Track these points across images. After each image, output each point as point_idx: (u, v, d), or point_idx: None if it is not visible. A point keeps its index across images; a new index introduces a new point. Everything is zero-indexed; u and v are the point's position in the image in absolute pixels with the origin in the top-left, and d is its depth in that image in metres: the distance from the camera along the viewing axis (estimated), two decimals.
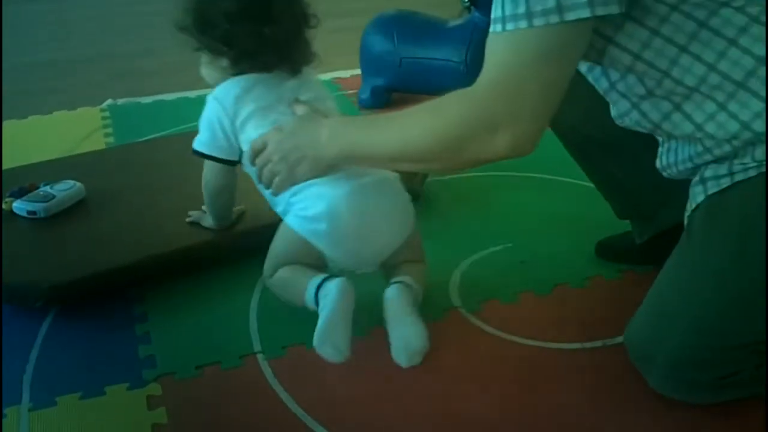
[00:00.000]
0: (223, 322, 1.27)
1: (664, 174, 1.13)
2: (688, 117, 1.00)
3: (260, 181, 1.18)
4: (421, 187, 1.57)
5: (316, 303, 1.18)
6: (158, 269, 1.36)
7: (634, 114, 1.07)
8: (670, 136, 1.07)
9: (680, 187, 1.11)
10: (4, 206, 1.49)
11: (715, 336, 0.99)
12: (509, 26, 0.91)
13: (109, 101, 2.29)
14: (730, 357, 1.00)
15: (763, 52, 0.93)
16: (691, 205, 1.06)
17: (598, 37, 0.98)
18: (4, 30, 2.81)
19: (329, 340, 1.13)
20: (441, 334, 1.23)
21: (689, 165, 1.06)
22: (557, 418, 1.06)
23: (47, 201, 1.48)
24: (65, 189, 1.52)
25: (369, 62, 2.16)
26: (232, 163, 1.29)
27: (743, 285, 0.98)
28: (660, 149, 1.12)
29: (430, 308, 1.28)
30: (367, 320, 1.24)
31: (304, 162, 1.13)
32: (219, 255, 1.40)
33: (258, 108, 1.24)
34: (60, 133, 2.06)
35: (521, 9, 0.90)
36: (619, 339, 1.17)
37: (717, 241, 1.01)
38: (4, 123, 2.09)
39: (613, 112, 1.12)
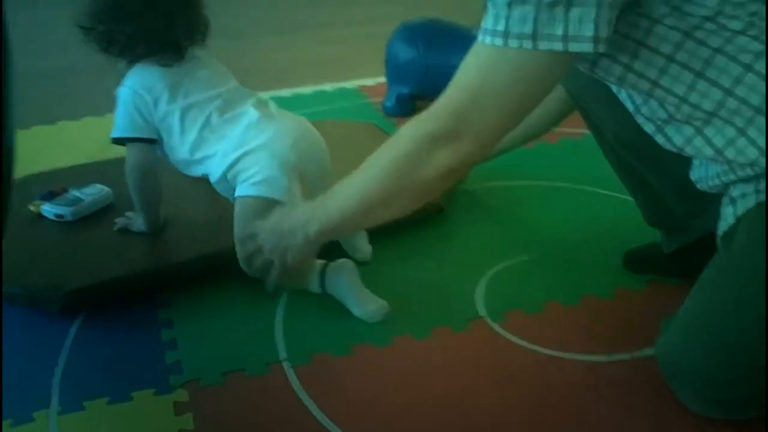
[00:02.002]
0: (248, 329, 1.28)
1: (698, 186, 1.12)
2: (708, 142, 1.01)
3: (251, 271, 1.25)
4: (445, 201, 1.57)
5: (322, 287, 1.30)
6: (177, 276, 1.37)
7: (659, 137, 1.07)
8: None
9: (713, 199, 1.10)
10: (32, 209, 1.50)
11: (743, 354, 0.98)
12: (486, 40, 0.93)
13: None
14: (760, 376, 0.99)
15: None
16: (722, 226, 1.05)
17: (615, 65, 0.98)
18: (32, 35, 2.85)
19: (366, 304, 1.28)
20: (466, 344, 1.23)
21: (717, 182, 1.06)
22: (582, 431, 1.05)
23: (75, 205, 1.49)
24: (93, 193, 1.53)
25: (394, 70, 2.16)
26: (152, 142, 1.36)
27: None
28: (693, 162, 1.12)
29: (455, 317, 1.28)
30: (390, 330, 1.24)
31: (292, 249, 1.16)
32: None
33: (165, 86, 1.34)
34: (89, 138, 2.08)
35: (500, 26, 0.91)
36: (647, 351, 1.16)
37: (743, 261, 1.00)
38: (35, 128, 2.12)
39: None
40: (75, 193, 1.53)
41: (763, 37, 0.93)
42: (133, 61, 1.36)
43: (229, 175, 1.33)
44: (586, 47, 0.89)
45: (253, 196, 1.29)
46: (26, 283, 1.30)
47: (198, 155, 1.35)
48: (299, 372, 1.17)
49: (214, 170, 1.34)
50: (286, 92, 2.37)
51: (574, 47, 0.89)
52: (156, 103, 1.34)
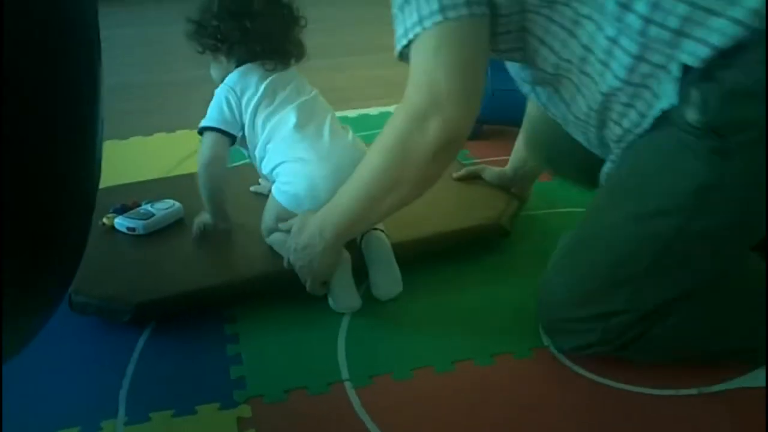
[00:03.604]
0: (312, 348, 1.29)
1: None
2: (562, 99, 1.22)
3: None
4: (510, 224, 1.56)
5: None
6: (245, 292, 1.39)
7: (536, 91, 1.28)
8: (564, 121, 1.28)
9: None
10: (106, 221, 1.55)
11: (590, 282, 1.16)
12: (410, 35, 1.11)
13: None
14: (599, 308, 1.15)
15: (586, 42, 1.11)
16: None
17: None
18: (105, 52, 2.94)
19: (344, 301, 1.35)
20: (528, 373, 1.21)
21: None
22: None
23: (147, 219, 1.53)
24: (165, 208, 1.57)
25: None
26: (230, 137, 1.45)
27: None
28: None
29: (518, 344, 1.27)
30: (452, 355, 1.24)
31: (315, 257, 1.29)
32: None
33: (259, 88, 1.43)
34: (160, 154, 2.13)
35: (415, 17, 1.10)
36: (716, 387, 1.14)
37: (601, 199, 1.23)
38: (108, 142, 2.18)
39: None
40: (147, 207, 1.57)
41: (582, 9, 1.08)
42: (237, 62, 1.45)
43: (272, 175, 1.44)
44: (485, 9, 1.09)
45: (279, 201, 1.41)
46: (97, 294, 1.34)
47: (264, 152, 1.44)
48: (361, 393, 1.17)
49: (265, 166, 1.45)
50: (351, 113, 2.39)
51: (476, 10, 1.08)
52: (248, 102, 1.43)
